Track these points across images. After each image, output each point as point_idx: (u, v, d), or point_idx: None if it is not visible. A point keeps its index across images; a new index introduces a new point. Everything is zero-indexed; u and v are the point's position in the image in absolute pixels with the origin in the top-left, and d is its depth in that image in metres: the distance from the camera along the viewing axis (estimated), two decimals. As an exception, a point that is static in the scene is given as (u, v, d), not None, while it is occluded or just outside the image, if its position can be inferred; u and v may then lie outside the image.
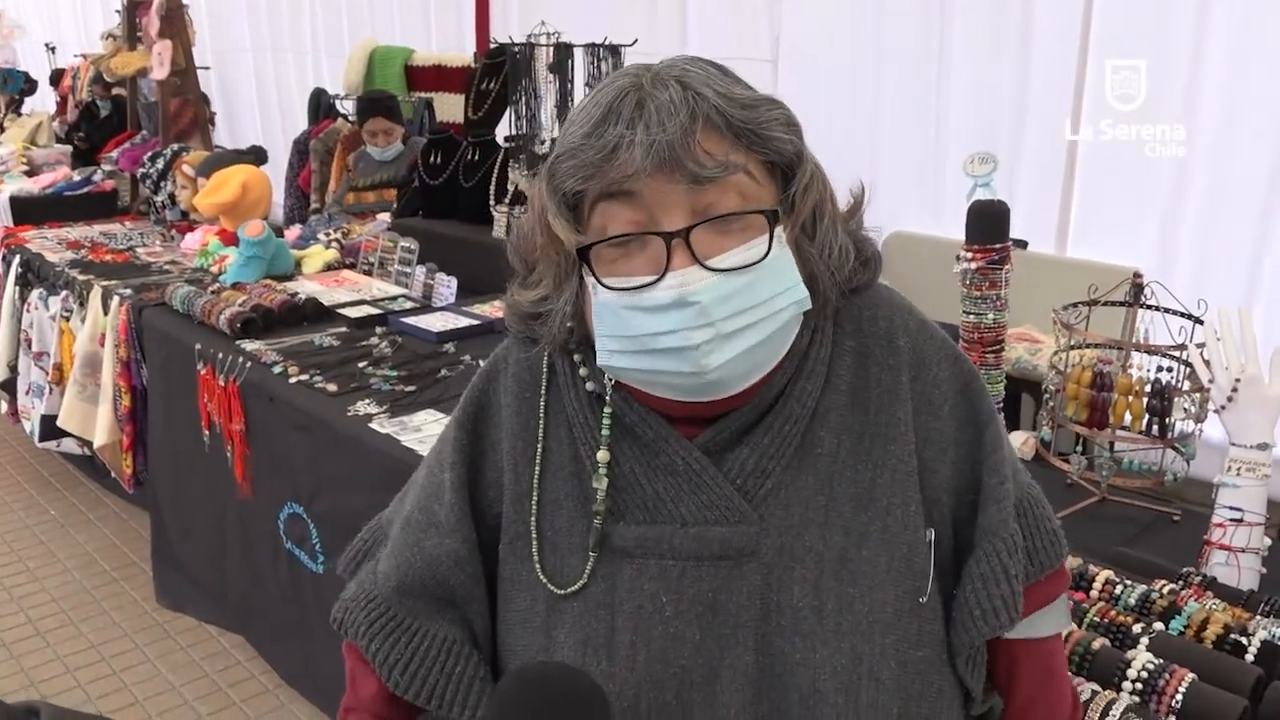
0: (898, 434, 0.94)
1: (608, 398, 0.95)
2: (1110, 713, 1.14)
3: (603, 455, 0.94)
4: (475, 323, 2.92)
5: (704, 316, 0.84)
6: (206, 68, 5.57)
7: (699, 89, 0.84)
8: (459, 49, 5.49)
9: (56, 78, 7.29)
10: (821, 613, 0.90)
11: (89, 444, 3.55)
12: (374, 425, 2.27)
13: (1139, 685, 1.19)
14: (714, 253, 0.85)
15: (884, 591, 0.91)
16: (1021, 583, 0.94)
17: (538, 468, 0.98)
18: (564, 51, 3.16)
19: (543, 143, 3.22)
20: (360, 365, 2.64)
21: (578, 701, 0.82)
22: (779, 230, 0.87)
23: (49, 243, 4.16)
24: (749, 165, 0.86)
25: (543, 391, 0.99)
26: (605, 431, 0.94)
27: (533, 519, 0.97)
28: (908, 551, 0.92)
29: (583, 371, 0.97)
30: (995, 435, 0.97)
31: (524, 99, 3.20)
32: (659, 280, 0.84)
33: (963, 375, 0.98)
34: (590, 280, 0.89)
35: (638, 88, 0.85)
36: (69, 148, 5.94)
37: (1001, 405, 1.95)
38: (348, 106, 5.11)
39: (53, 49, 8.32)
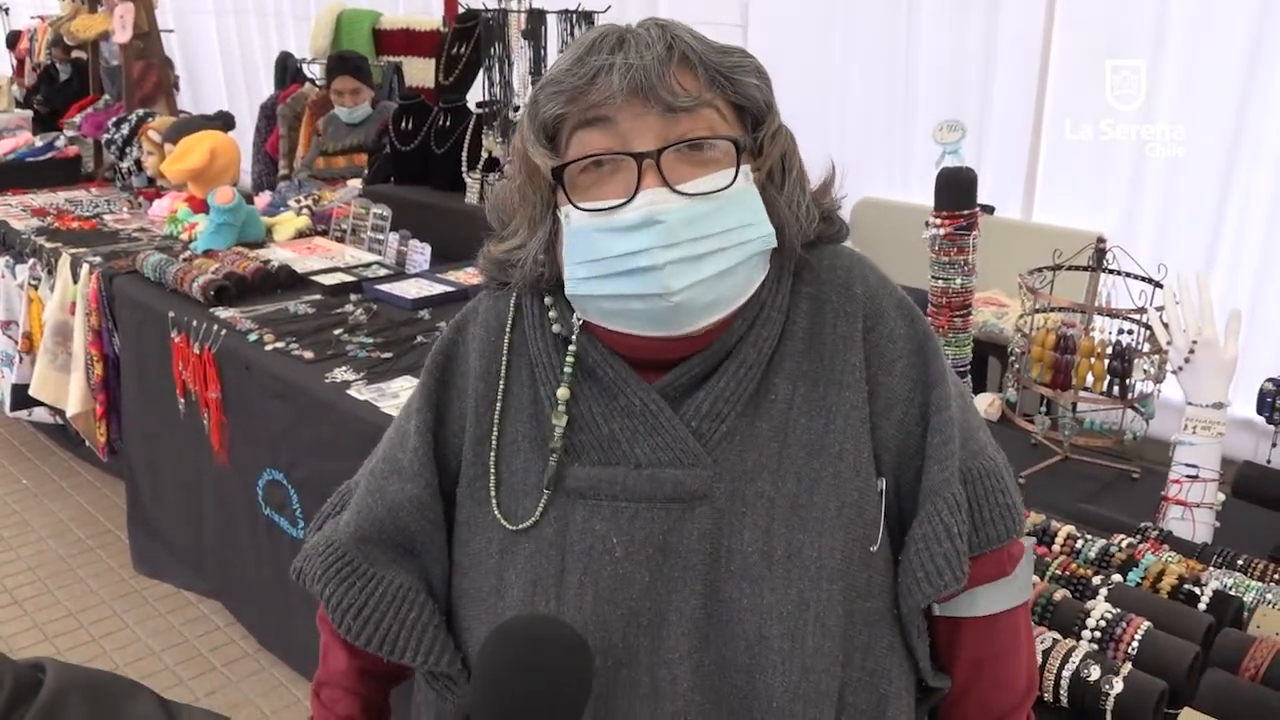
0: (851, 381, 0.95)
1: (573, 337, 0.96)
2: (1070, 660, 1.20)
3: (563, 392, 0.96)
4: (450, 289, 2.93)
5: (670, 236, 0.87)
6: (170, 31, 5.48)
7: (677, 30, 0.90)
8: (425, 12, 5.44)
9: (12, 40, 7.14)
10: (770, 558, 0.90)
11: (61, 413, 3.54)
12: (352, 392, 2.29)
13: (1098, 634, 1.24)
14: (683, 179, 0.88)
15: (833, 538, 0.91)
16: (965, 545, 0.93)
17: (498, 408, 0.99)
18: (537, 18, 3.15)
19: (515, 109, 3.21)
20: (336, 332, 2.65)
21: (561, 651, 0.83)
22: (746, 167, 0.91)
23: (13, 210, 4.11)
24: (719, 104, 0.90)
25: (507, 333, 1.01)
26: (568, 370, 0.96)
27: (492, 458, 0.98)
28: (858, 499, 0.93)
29: (552, 314, 0.99)
30: (942, 396, 0.96)
31: (497, 65, 3.19)
32: (629, 201, 0.88)
33: (918, 335, 0.98)
34: (563, 210, 0.92)
35: (620, 29, 0.91)
36: (29, 112, 5.83)
37: (969, 368, 2.00)
38: (315, 71, 5.06)
39: (6, 10, 8.13)
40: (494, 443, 0.99)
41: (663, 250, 0.87)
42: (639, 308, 0.90)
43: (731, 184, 0.90)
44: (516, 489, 0.97)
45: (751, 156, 0.93)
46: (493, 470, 0.98)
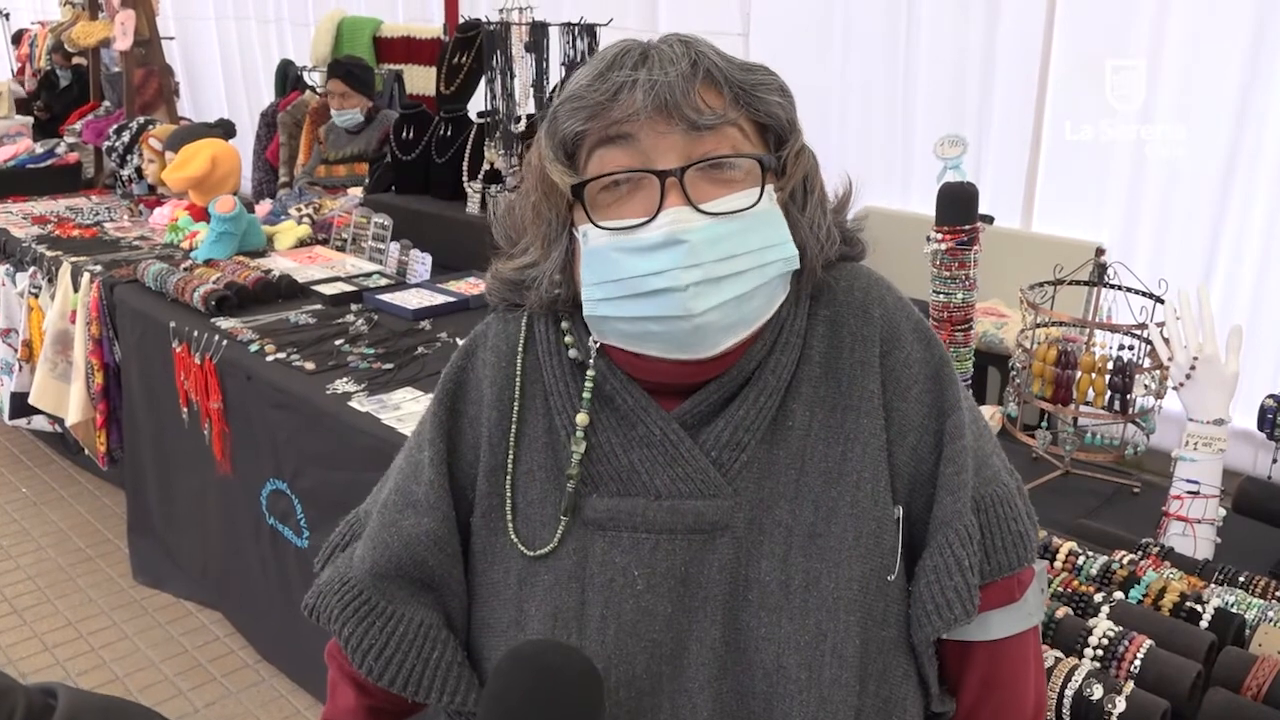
0: (869, 407, 0.93)
1: (591, 362, 0.95)
2: (1072, 678, 1.20)
3: (581, 418, 0.94)
4: (451, 299, 2.94)
5: (693, 256, 0.85)
6: (171, 38, 5.48)
7: (700, 47, 0.89)
8: (425, 19, 5.45)
9: (15, 41, 7.15)
10: (789, 588, 0.90)
11: (60, 421, 3.54)
12: (353, 404, 2.29)
13: (1100, 652, 1.24)
14: (707, 199, 0.87)
15: (850, 568, 0.90)
16: (976, 578, 0.92)
17: (513, 437, 0.98)
18: (539, 31, 3.16)
19: (518, 120, 3.22)
20: (337, 343, 2.66)
21: (573, 678, 0.83)
22: (769, 187, 0.90)
23: (14, 217, 4.11)
24: (742, 122, 0.89)
25: (519, 357, 0.99)
26: (586, 395, 0.95)
27: (508, 488, 0.97)
28: (876, 528, 0.92)
29: (568, 339, 0.97)
30: (957, 424, 0.94)
31: (499, 76, 3.19)
32: (651, 220, 0.87)
33: (935, 360, 0.97)
34: (581, 229, 0.91)
35: (642, 44, 0.90)
36: (29, 119, 5.83)
37: (969, 381, 2.01)
38: (315, 78, 5.07)
39: (6, 15, 8.14)
40: (510, 472, 0.97)
41: (684, 271, 0.86)
42: (659, 329, 0.89)
43: (756, 203, 0.89)
44: (534, 518, 0.96)
45: (774, 176, 0.92)
46: (509, 499, 0.97)
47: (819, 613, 0.90)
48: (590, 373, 0.95)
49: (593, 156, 0.89)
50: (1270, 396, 1.68)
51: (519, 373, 0.99)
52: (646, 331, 0.90)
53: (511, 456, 0.98)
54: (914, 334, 0.97)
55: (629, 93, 0.86)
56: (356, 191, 4.04)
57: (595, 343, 0.95)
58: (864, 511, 0.92)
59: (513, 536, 0.96)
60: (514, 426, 0.98)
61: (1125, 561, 1.46)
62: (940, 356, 0.98)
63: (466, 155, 3.60)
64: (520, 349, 1.00)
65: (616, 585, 0.91)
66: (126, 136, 4.37)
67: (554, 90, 1.04)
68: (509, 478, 0.97)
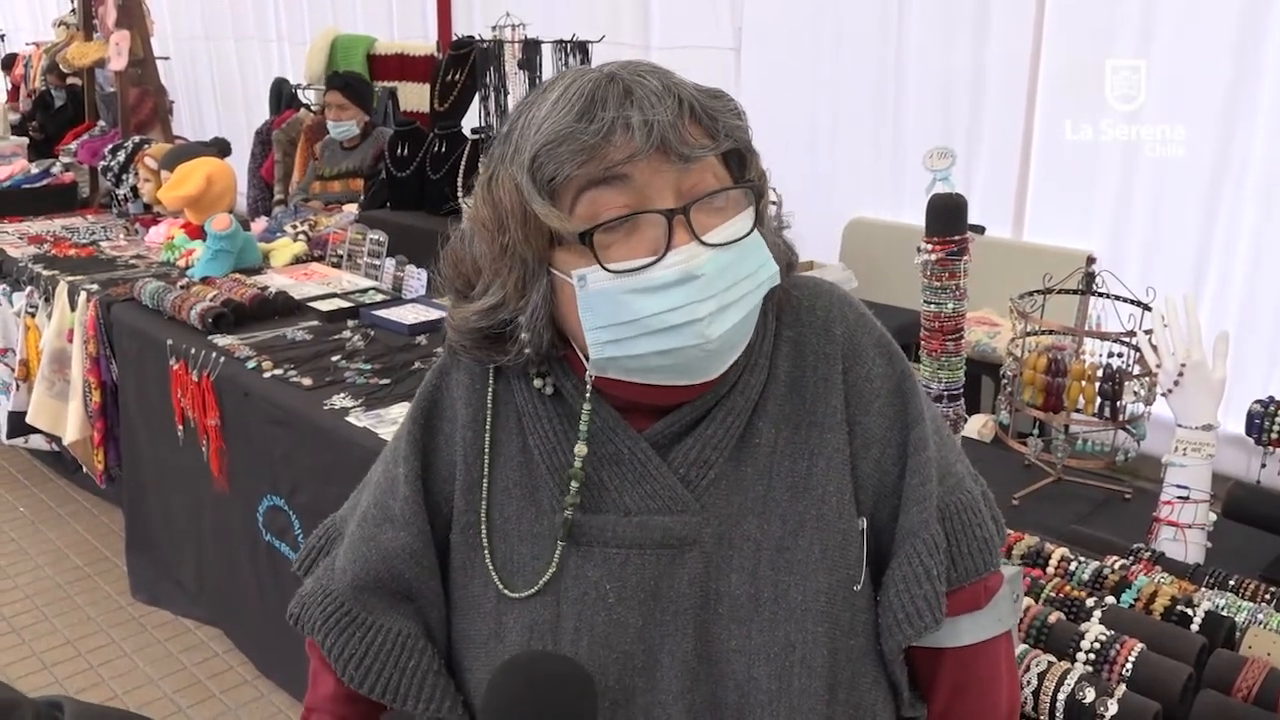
0: (834, 423, 0.95)
1: (588, 391, 0.95)
2: (1065, 682, 1.21)
3: (580, 449, 0.95)
4: (446, 315, 2.95)
5: (708, 289, 0.86)
6: (166, 58, 5.51)
7: (673, 79, 0.90)
8: (421, 37, 5.49)
9: (9, 64, 7.19)
10: (758, 600, 0.92)
11: (58, 440, 3.55)
12: (350, 419, 2.31)
13: (1092, 655, 1.26)
14: (705, 230, 0.88)
15: (818, 579, 0.92)
16: (944, 585, 0.94)
17: (487, 457, 0.99)
18: (532, 48, 3.19)
19: (511, 136, 3.24)
20: (334, 359, 2.67)
21: (567, 685, 0.85)
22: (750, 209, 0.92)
23: (10, 237, 4.13)
24: (717, 150, 0.90)
25: (490, 382, 1.00)
26: (584, 428, 0.95)
27: (483, 506, 0.99)
28: (841, 540, 0.94)
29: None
30: (920, 436, 0.96)
31: (492, 94, 3.22)
32: (660, 259, 0.86)
33: (896, 374, 0.98)
34: (576, 273, 0.88)
35: (614, 78, 0.87)
36: (25, 139, 5.85)
37: (962, 390, 2.02)
38: (310, 96, 5.10)
39: (2, 36, 8.17)
40: (485, 491, 0.99)
41: (700, 304, 0.87)
42: (667, 363, 0.90)
43: (751, 230, 0.90)
44: (510, 535, 0.98)
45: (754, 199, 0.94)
46: (484, 517, 0.99)
47: (788, 624, 0.92)
48: (587, 406, 0.95)
49: (582, 199, 0.87)
50: (1258, 401, 1.70)
51: (490, 395, 1.00)
52: (649, 365, 0.91)
53: (487, 476, 0.99)
54: (875, 349, 0.99)
55: (624, 135, 0.84)
56: (351, 208, 4.06)
57: (591, 375, 0.95)
58: (829, 524, 0.94)
59: (488, 562, 0.97)
60: (488, 446, 1.00)
61: (1117, 566, 1.47)
62: (902, 370, 0.99)
63: (461, 171, 3.62)
64: (492, 371, 1.01)
65: (589, 599, 0.93)
66: (122, 156, 4.39)
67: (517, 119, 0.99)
68: (484, 496, 0.99)
